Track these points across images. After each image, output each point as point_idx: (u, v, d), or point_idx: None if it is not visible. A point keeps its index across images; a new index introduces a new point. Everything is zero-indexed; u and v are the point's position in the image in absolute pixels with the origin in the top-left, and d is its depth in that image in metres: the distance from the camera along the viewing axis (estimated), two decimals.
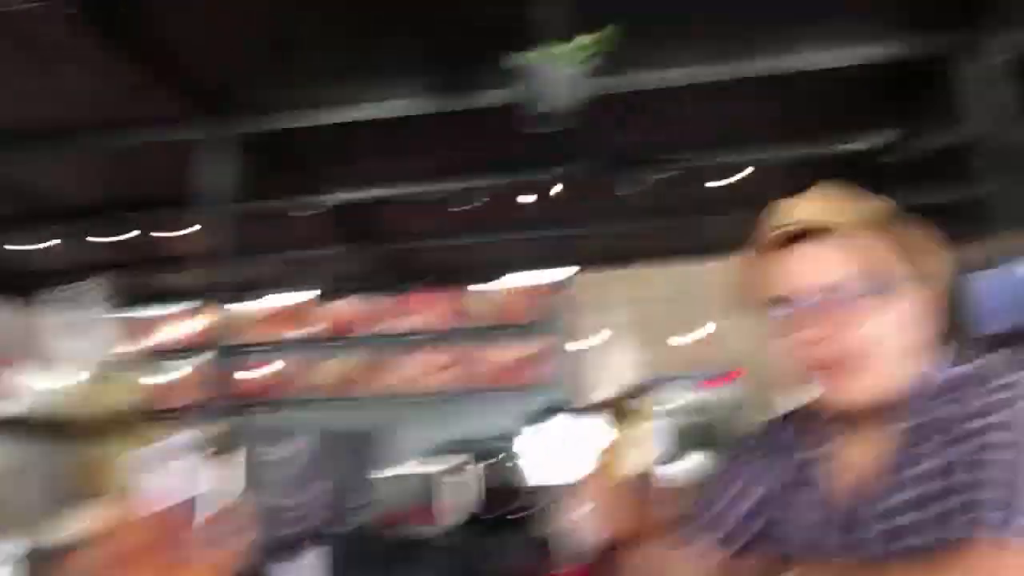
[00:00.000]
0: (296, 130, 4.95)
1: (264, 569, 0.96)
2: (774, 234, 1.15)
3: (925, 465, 1.04)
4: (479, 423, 11.09)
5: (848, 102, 5.10)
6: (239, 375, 8.16)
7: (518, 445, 8.36)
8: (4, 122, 4.78)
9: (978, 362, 1.10)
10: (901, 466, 1.06)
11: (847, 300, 1.09)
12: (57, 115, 4.77)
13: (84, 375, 3.23)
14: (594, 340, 1.06)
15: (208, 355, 4.74)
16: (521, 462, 8.02)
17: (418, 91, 4.65)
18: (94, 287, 3.55)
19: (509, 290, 8.30)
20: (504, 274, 8.34)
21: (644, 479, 1.08)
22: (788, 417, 1.27)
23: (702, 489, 1.31)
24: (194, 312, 8.46)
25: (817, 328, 1.09)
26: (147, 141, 4.98)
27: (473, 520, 7.89)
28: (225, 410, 4.50)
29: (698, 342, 7.34)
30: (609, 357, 0.99)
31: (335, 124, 4.82)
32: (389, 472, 5.18)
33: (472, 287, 8.26)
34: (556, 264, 8.32)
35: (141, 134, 4.92)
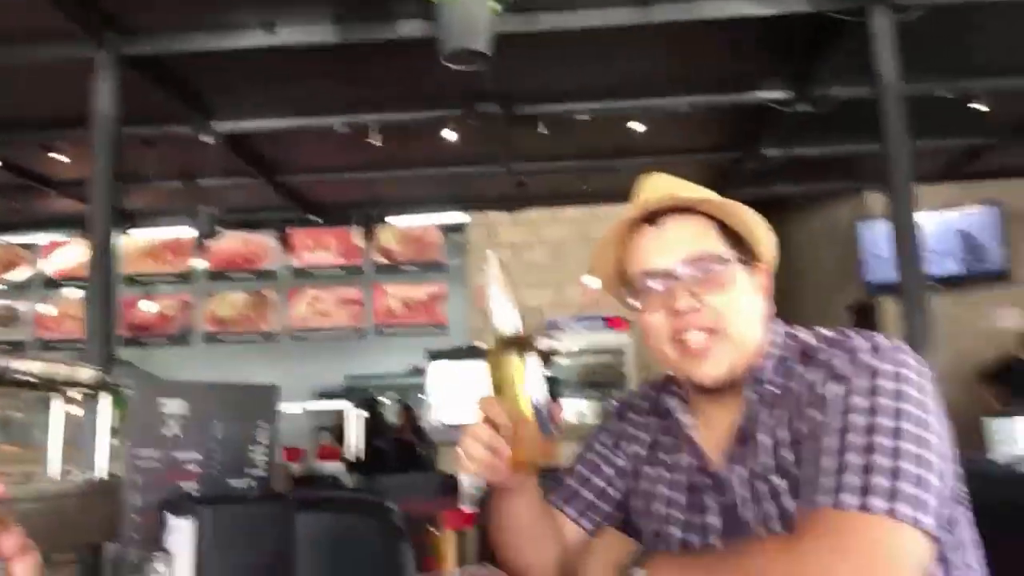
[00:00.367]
0: (188, 54, 4.69)
1: (163, 521, 0.94)
2: (644, 209, 1.16)
3: (778, 434, 1.08)
4: (379, 362, 11.09)
5: (756, 52, 5.22)
6: (125, 309, 7.85)
7: (418, 384, 8.39)
8: None
9: (818, 334, 1.14)
10: (753, 435, 1.10)
11: (717, 272, 1.12)
12: None
13: None
14: (495, 281, 1.06)
15: (89, 287, 4.48)
16: (421, 401, 8.07)
17: (324, 19, 4.47)
18: None
19: (409, 229, 8.23)
20: (404, 212, 8.23)
21: (539, 415, 1.08)
22: (663, 380, 1.29)
23: (579, 452, 1.32)
24: (74, 241, 8.04)
25: (689, 299, 1.10)
26: (31, 59, 4.63)
27: (375, 458, 7.93)
28: (107, 346, 4.30)
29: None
30: (509, 297, 0.97)
31: (231, 50, 4.59)
32: (289, 411, 5.11)
33: (370, 225, 8.13)
34: (457, 205, 8.27)
35: (24, 51, 4.58)
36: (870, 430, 0.97)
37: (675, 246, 1.13)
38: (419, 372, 8.99)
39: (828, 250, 8.08)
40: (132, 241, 8.12)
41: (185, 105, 5.44)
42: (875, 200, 7.36)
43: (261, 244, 8.21)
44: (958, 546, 1.04)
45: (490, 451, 1.07)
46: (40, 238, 8.32)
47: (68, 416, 2.43)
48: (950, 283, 7.43)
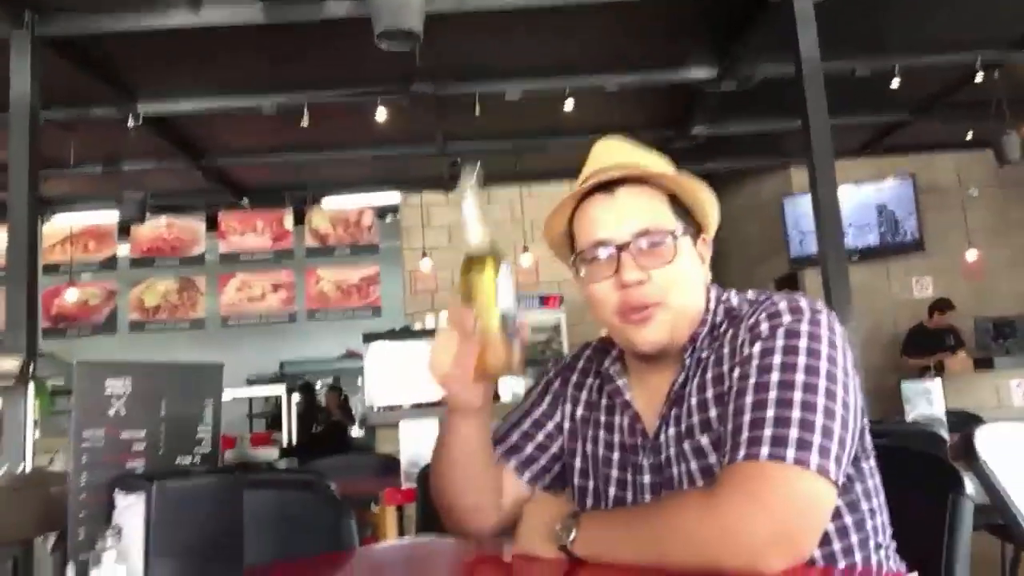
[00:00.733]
0: (110, 34, 4.54)
1: (111, 500, 0.94)
2: (595, 180, 1.18)
3: (707, 395, 1.12)
4: (314, 347, 10.97)
5: (684, 32, 5.31)
6: (46, 299, 7.58)
7: (354, 367, 8.33)
8: None
9: (745, 297, 1.19)
10: (685, 397, 1.14)
11: (667, 246, 1.15)
12: None
13: None
14: (471, 194, 1.07)
15: (8, 275, 4.32)
16: (358, 383, 8.03)
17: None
18: None
19: (342, 211, 8.12)
20: (336, 194, 8.12)
21: (506, 324, 1.10)
22: (603, 343, 1.32)
23: (521, 407, 1.34)
24: None
25: (638, 272, 1.13)
26: None
27: (312, 441, 7.87)
28: (29, 336, 4.17)
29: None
30: (482, 212, 0.98)
31: (155, 29, 4.46)
32: (226, 397, 5.03)
33: (301, 208, 8.00)
34: (390, 186, 8.20)
35: None
36: (782, 386, 1.02)
37: (627, 218, 1.15)
38: (355, 356, 8.92)
39: (754, 224, 8.32)
40: (52, 228, 7.84)
41: (108, 87, 5.27)
42: (800, 176, 7.61)
43: (188, 229, 8.01)
44: (865, 492, 1.11)
45: (456, 361, 1.09)
46: None
47: None
48: (868, 254, 7.76)
